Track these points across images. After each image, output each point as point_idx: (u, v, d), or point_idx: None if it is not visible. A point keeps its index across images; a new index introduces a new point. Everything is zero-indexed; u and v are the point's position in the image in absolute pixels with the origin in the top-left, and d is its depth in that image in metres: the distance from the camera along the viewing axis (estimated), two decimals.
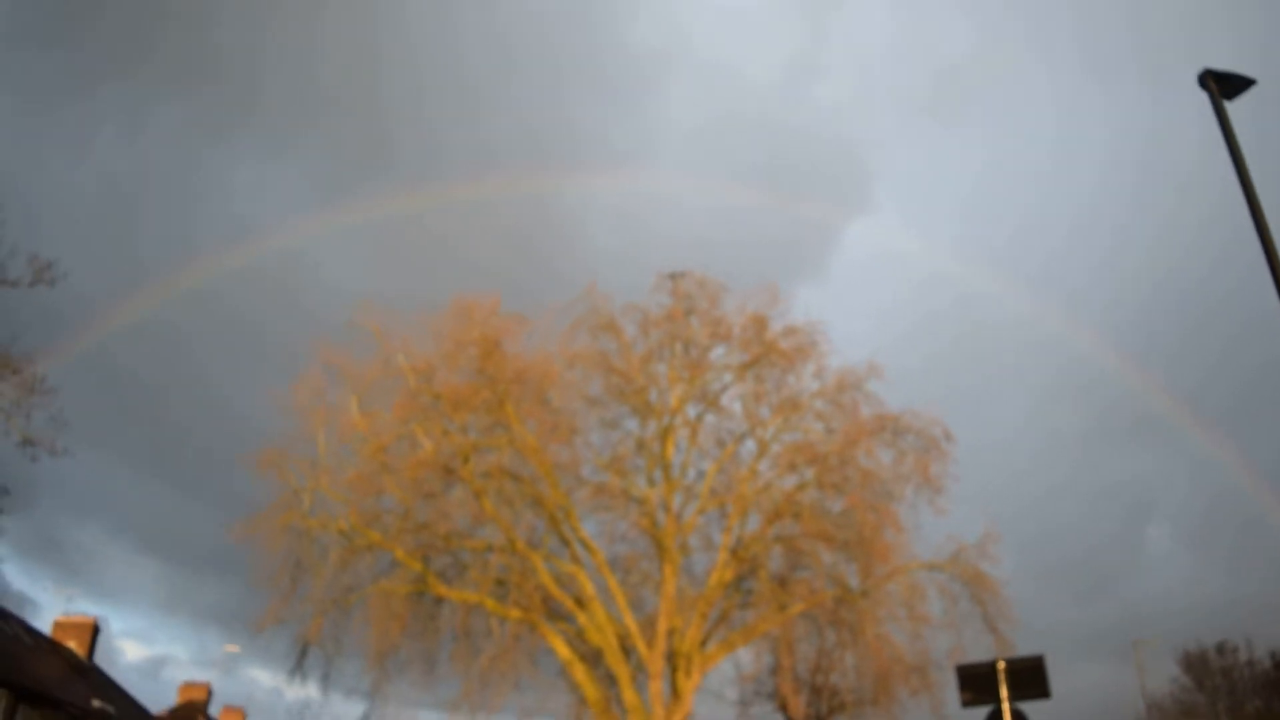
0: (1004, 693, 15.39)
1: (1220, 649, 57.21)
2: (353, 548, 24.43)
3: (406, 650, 24.82)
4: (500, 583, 24.21)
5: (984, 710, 15.77)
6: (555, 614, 24.99)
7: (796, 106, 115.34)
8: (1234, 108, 13.40)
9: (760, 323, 26.34)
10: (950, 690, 22.52)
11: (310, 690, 24.48)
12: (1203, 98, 13.48)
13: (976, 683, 15.86)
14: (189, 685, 47.67)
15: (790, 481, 25.41)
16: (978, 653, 21.83)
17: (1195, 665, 57.55)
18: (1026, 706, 15.73)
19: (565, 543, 25.55)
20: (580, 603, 24.68)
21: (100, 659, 39.40)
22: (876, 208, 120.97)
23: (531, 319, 26.73)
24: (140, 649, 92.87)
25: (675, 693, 24.10)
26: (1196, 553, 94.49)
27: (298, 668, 24.20)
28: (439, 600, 25.05)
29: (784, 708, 31.02)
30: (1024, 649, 21.65)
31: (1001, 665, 15.70)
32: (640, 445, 26.51)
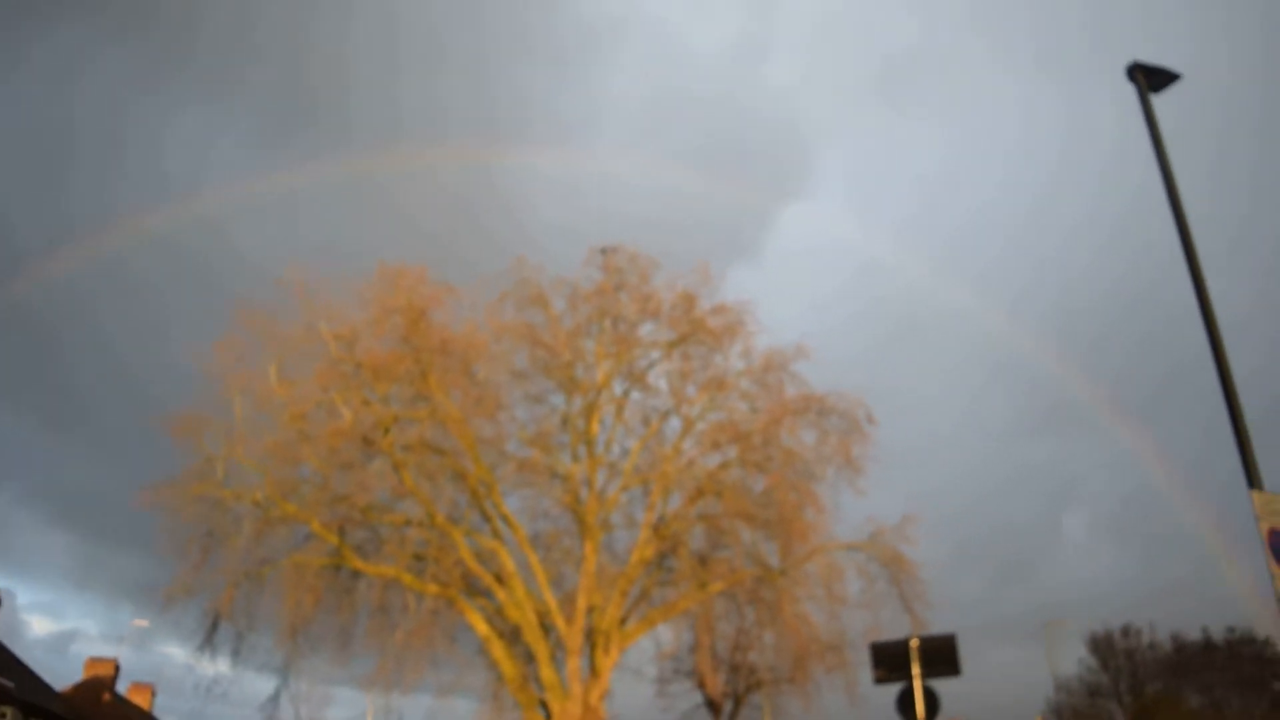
0: (916, 670, 15.53)
1: (1125, 631, 58.98)
2: (267, 519, 23.78)
3: (321, 625, 24.27)
4: (419, 557, 23.81)
5: (896, 687, 15.92)
6: (474, 590, 24.68)
7: (741, 86, 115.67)
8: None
9: (689, 300, 26.23)
10: (865, 669, 22.80)
11: (220, 665, 23.87)
12: (1127, 94, 13.59)
13: (889, 659, 16.02)
14: (95, 660, 46.28)
15: (714, 460, 25.41)
16: (894, 633, 22.06)
17: (1102, 647, 59.24)
18: (938, 684, 15.91)
19: (487, 518, 25.23)
20: (500, 579, 24.40)
21: (4, 633, 38.13)
22: (814, 192, 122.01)
23: (460, 289, 26.30)
24: (48, 623, 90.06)
25: (594, 670, 23.99)
26: (1110, 539, 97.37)
27: (207, 641, 23.54)
28: (355, 574, 24.56)
29: (702, 685, 31.16)
30: (939, 630, 21.94)
31: (915, 643, 15.85)
32: (565, 421, 26.29)
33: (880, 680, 16.35)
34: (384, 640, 23.76)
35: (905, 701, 15.67)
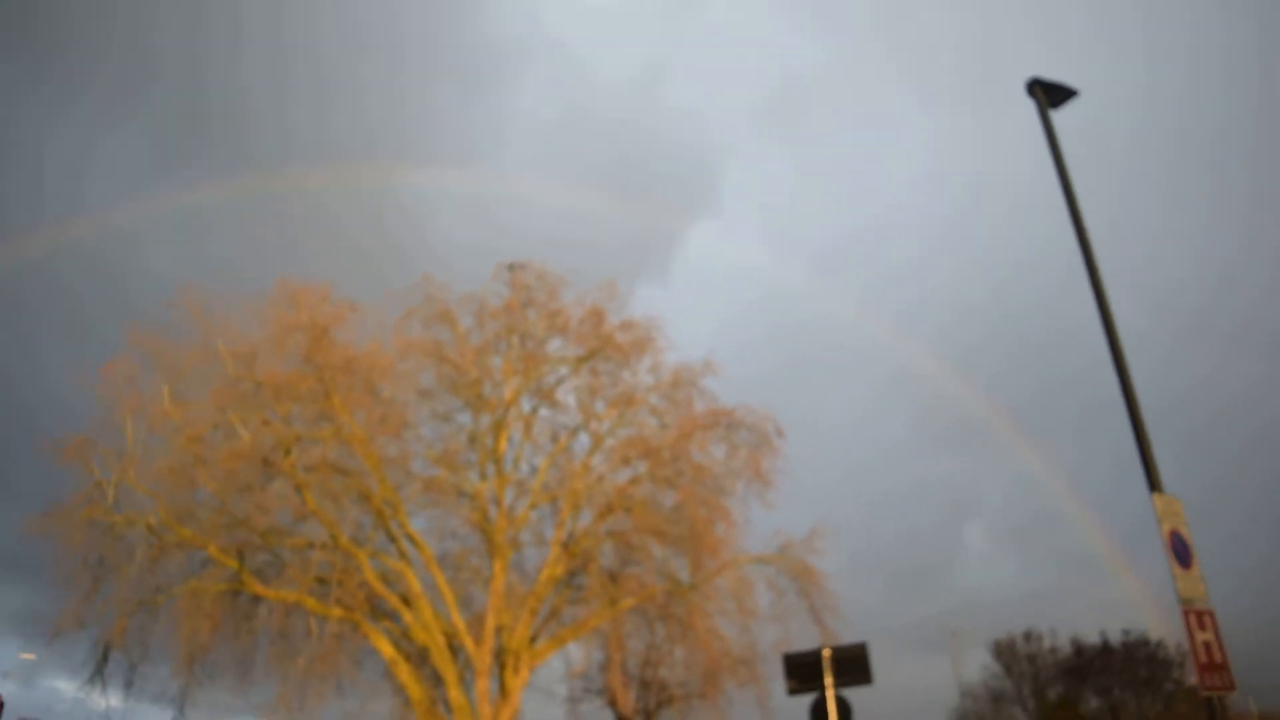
0: (829, 679, 15.66)
1: (1027, 636, 60.53)
2: (162, 545, 22.87)
3: (219, 653, 23.46)
4: (322, 581, 23.13)
5: (810, 697, 16.02)
6: (380, 613, 24.17)
7: (647, 108, 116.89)
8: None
9: (598, 316, 26.14)
10: (776, 682, 22.92)
11: (112, 699, 22.90)
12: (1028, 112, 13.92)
13: (802, 670, 16.18)
14: None
15: (623, 475, 25.30)
16: (803, 645, 22.20)
17: (1005, 653, 60.73)
18: (849, 693, 16.06)
19: (392, 539, 24.75)
20: (406, 601, 23.93)
21: None
22: (720, 213, 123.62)
23: (365, 307, 25.82)
24: None
25: (503, 691, 23.65)
26: (1009, 549, 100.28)
27: (98, 673, 22.59)
28: (255, 600, 23.79)
29: (613, 703, 30.93)
30: (847, 642, 22.16)
31: (827, 653, 16.01)
32: (473, 439, 25.95)
33: (794, 691, 16.48)
34: (286, 667, 23.12)
35: (819, 711, 15.79)
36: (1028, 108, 14.03)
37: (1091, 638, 59.57)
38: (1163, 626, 58.21)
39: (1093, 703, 60.24)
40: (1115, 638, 59.24)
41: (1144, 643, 58.44)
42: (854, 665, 16.24)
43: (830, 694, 15.76)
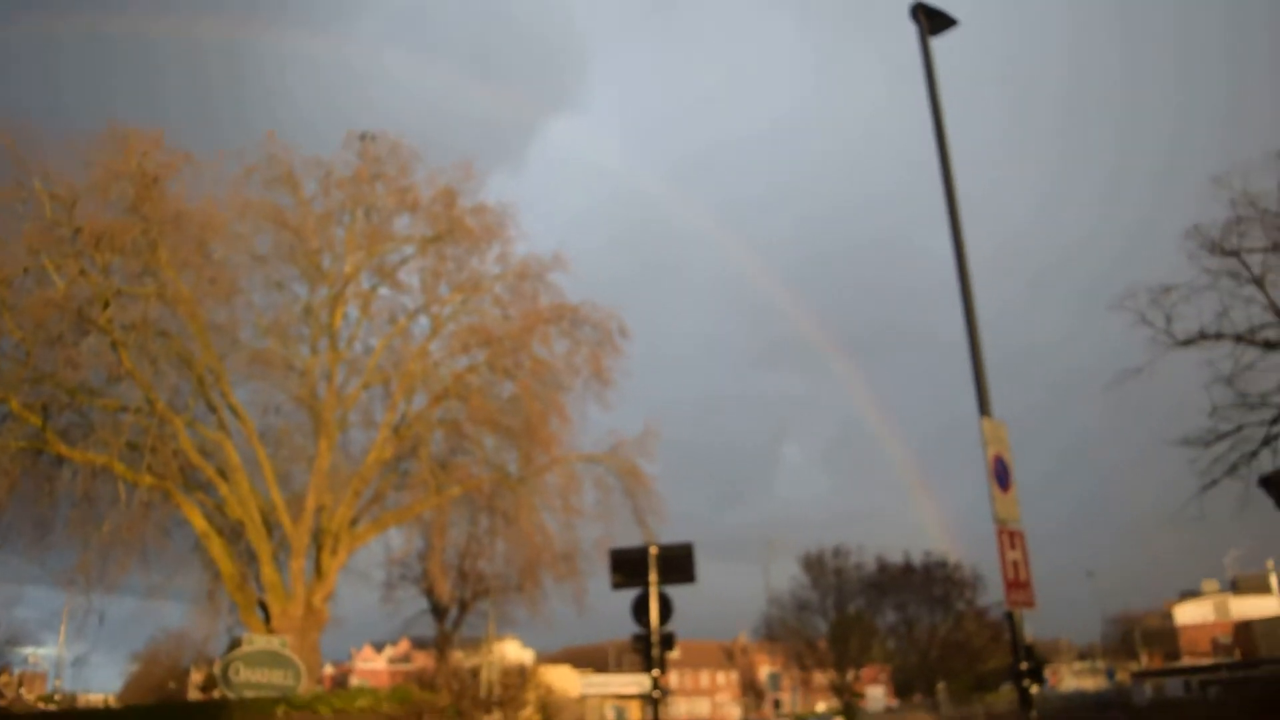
0: (653, 576, 15.94)
1: (836, 552, 63.46)
2: None
3: (15, 515, 22.10)
4: (133, 446, 21.94)
5: (632, 593, 16.30)
6: (193, 484, 23.25)
7: None
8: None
9: (450, 197, 25.31)
10: (593, 578, 23.27)
11: None
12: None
13: (628, 566, 16.38)
14: None
15: (461, 363, 24.92)
16: (625, 544, 22.59)
17: (813, 566, 63.55)
18: (671, 591, 16.45)
19: (212, 409, 23.72)
20: (223, 474, 23.07)
21: None
22: (583, 107, 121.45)
23: (201, 162, 24.11)
24: None
25: (319, 571, 23.24)
26: (827, 470, 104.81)
27: None
28: (59, 460, 22.39)
29: (430, 591, 31.00)
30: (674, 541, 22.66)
31: (654, 550, 16.27)
32: (307, 311, 24.96)
33: (618, 585, 16.67)
34: (88, 533, 22.06)
35: (641, 606, 16.06)
36: (897, 37, 13.99)
37: (896, 557, 62.97)
38: (958, 551, 62.28)
39: (890, 616, 64.18)
40: (918, 558, 62.78)
41: (942, 564, 62.18)
42: (679, 564, 16.57)
43: (654, 591, 16.03)
